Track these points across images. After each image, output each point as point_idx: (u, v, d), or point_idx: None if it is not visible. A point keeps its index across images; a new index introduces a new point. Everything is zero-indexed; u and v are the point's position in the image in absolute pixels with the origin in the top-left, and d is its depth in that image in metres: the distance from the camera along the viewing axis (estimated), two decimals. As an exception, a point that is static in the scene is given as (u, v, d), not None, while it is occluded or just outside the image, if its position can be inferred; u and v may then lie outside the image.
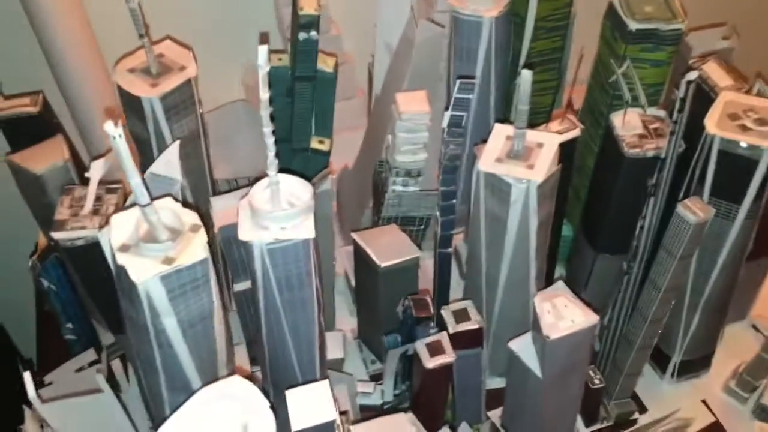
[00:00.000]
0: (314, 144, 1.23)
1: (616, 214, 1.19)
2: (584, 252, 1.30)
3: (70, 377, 1.03)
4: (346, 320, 1.41)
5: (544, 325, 0.97)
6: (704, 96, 1.07)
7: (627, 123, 1.13)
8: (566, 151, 1.13)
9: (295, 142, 1.22)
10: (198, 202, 1.16)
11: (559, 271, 1.44)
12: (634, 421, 1.25)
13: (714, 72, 1.09)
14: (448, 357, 1.06)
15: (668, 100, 1.35)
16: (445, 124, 1.05)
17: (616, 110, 1.16)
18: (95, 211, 1.00)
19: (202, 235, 0.78)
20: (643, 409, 1.26)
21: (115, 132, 0.65)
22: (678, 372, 1.27)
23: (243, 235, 0.86)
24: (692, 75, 0.93)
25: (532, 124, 1.25)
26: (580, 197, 1.36)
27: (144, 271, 0.74)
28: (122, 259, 0.75)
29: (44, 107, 1.19)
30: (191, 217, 0.80)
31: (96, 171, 1.00)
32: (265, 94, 0.75)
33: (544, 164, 1.00)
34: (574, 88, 1.27)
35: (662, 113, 1.15)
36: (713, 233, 1.06)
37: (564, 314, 0.99)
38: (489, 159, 1.02)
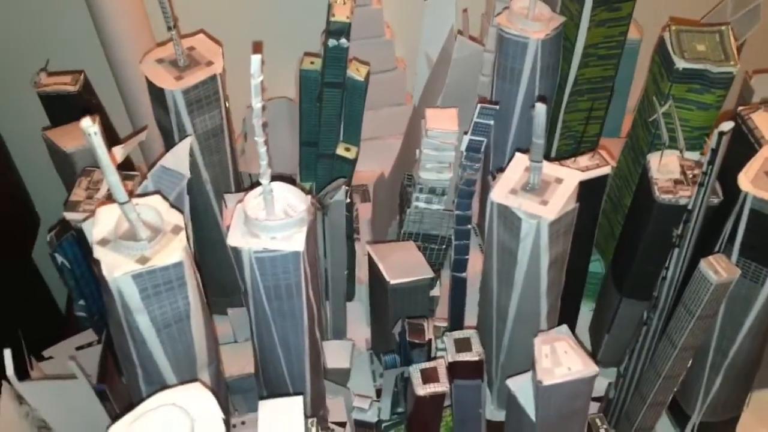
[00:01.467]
0: (340, 150, 1.21)
1: (644, 259, 1.13)
2: (611, 293, 1.24)
3: (70, 353, 1.06)
4: (363, 330, 1.39)
5: (540, 370, 0.93)
6: (749, 147, 1.00)
7: (664, 166, 1.06)
8: (595, 188, 1.08)
9: (321, 147, 1.21)
10: (218, 196, 1.16)
11: (590, 306, 1.38)
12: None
13: (763, 122, 1.01)
14: (441, 386, 1.03)
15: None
16: (463, 147, 1.01)
17: (656, 150, 1.10)
18: (109, 196, 1.02)
19: (182, 238, 0.78)
20: (654, 467, 1.19)
21: (90, 129, 0.65)
22: (698, 433, 1.20)
23: (232, 240, 0.86)
24: (726, 126, 0.86)
25: (575, 154, 1.22)
26: (615, 235, 1.30)
27: (116, 268, 0.74)
28: (99, 252, 0.76)
29: (84, 86, 1.22)
30: (175, 218, 0.80)
31: (115, 157, 1.02)
32: (257, 104, 0.74)
33: (559, 201, 0.95)
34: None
35: (702, 159, 1.08)
36: (740, 295, 0.99)
37: (562, 360, 0.94)
38: (503, 190, 0.98)
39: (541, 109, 0.85)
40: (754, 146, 0.99)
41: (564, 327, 0.97)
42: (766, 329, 1.04)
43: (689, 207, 0.96)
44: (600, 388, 1.21)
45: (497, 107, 1.03)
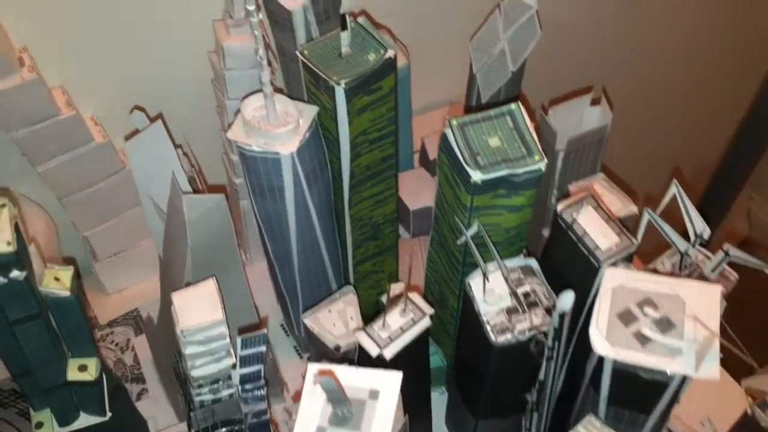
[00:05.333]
0: (73, 374, 0.88)
1: (492, 394, 0.92)
2: (463, 415, 1.03)
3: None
4: None
5: None
6: (584, 261, 0.79)
7: (490, 293, 0.84)
8: (417, 347, 0.84)
9: (42, 383, 0.87)
10: None
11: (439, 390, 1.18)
12: None
13: (591, 222, 0.80)
14: None
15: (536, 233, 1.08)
16: (236, 381, 0.73)
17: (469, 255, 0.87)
18: None
19: None
20: None
21: None
22: None
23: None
24: (566, 302, 0.63)
25: (375, 238, 0.99)
26: (447, 331, 1.09)
27: None
28: None
29: None
30: None
31: None
32: None
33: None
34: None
35: (530, 263, 0.87)
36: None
37: None
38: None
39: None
40: (588, 260, 0.79)
41: None
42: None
43: (540, 378, 0.74)
44: None
45: (264, 332, 0.74)
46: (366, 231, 1.12)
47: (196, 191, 1.00)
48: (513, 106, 0.83)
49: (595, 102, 1.07)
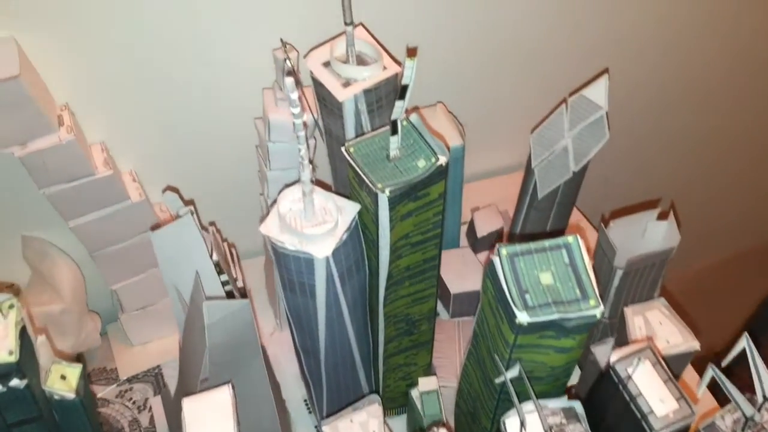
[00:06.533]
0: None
1: None
2: None
3: None
4: None
5: None
6: (633, 421, 0.71)
7: (526, 438, 0.76)
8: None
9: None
10: None
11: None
12: None
13: (648, 381, 0.71)
14: None
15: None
16: None
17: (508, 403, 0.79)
18: None
19: None
20: None
21: None
22: None
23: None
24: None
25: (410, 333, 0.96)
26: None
27: None
28: None
29: None
30: None
31: None
32: None
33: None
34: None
35: (574, 406, 0.79)
36: None
37: None
38: None
39: None
40: (640, 424, 0.70)
41: None
42: None
43: None
44: None
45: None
46: (401, 327, 1.05)
47: (222, 272, 0.95)
48: (570, 239, 0.75)
49: (661, 217, 0.98)
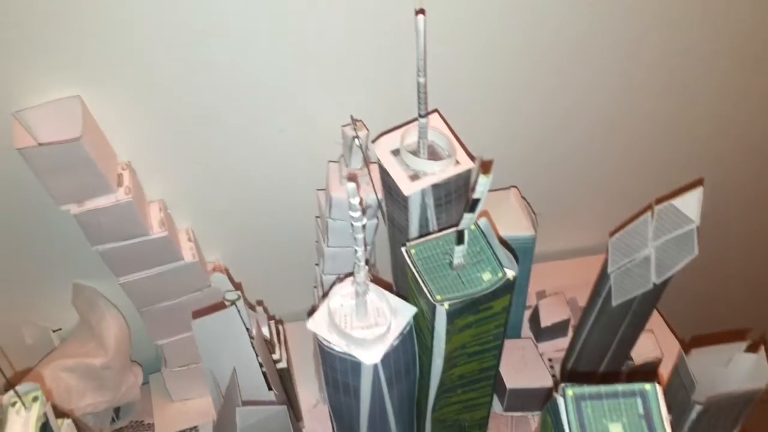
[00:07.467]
0: None
1: None
2: None
3: None
4: None
5: None
6: None
7: None
8: None
9: None
10: None
11: None
12: None
13: None
14: None
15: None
16: None
17: None
18: None
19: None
20: None
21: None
22: None
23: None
24: None
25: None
26: None
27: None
28: None
29: None
30: None
31: None
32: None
33: None
34: None
35: None
36: None
37: None
38: None
39: None
40: None
41: None
42: None
43: None
44: None
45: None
46: (451, 429, 0.97)
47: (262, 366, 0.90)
48: (648, 386, 0.66)
49: (751, 349, 0.88)
